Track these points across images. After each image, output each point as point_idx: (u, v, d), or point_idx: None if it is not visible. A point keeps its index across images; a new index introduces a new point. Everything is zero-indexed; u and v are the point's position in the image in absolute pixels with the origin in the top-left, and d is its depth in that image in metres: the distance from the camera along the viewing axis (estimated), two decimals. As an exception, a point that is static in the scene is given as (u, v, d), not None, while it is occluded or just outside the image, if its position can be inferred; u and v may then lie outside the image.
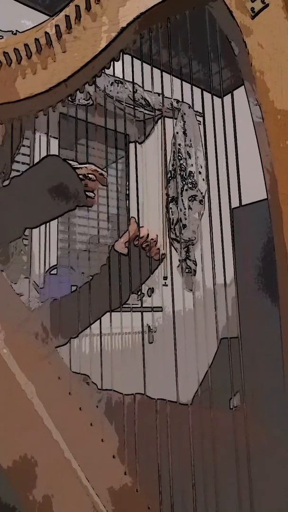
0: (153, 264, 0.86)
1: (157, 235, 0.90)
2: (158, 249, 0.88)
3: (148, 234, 0.87)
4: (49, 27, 0.58)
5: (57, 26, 0.57)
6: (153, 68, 0.64)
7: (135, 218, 0.85)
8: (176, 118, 2.65)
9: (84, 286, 0.86)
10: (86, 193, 0.74)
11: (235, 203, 0.62)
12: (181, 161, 2.64)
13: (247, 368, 0.60)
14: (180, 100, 2.56)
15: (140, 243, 0.85)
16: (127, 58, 0.63)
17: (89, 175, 0.74)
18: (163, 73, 0.66)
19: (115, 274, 0.77)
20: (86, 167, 0.74)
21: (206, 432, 0.61)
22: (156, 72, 0.65)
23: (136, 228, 0.85)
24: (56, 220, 0.77)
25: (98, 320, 0.81)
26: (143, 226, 0.88)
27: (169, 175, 2.66)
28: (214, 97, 0.63)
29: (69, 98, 0.62)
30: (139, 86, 2.21)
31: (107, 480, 0.64)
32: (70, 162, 0.74)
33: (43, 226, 0.76)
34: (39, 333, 0.75)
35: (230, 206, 0.63)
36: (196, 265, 2.57)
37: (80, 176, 0.74)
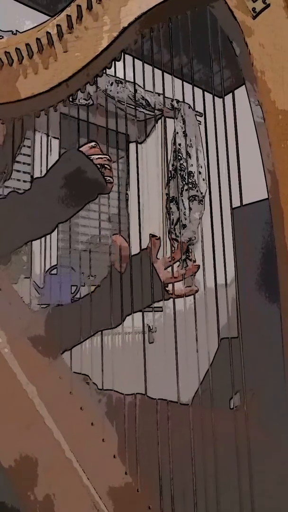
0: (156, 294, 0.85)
1: (158, 237, 0.91)
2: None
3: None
4: (51, 27, 0.58)
5: (58, 26, 0.58)
6: (154, 68, 0.64)
7: (118, 235, 0.86)
8: (176, 118, 2.65)
9: (84, 299, 0.87)
10: (105, 177, 0.77)
11: (236, 203, 0.62)
12: (181, 161, 2.64)
13: (247, 368, 0.60)
14: (181, 100, 2.56)
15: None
16: (128, 58, 0.63)
17: (105, 165, 0.77)
18: (164, 73, 0.66)
19: (115, 291, 0.80)
20: (102, 158, 0.77)
21: (206, 432, 0.61)
22: (157, 72, 0.65)
23: (153, 244, 0.88)
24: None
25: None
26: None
27: (169, 175, 2.66)
28: (215, 97, 0.63)
29: (70, 98, 0.62)
30: (140, 86, 2.21)
31: (108, 480, 0.64)
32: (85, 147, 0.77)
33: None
34: (40, 333, 0.75)
35: (231, 206, 0.63)
36: (196, 265, 2.57)
37: (97, 165, 0.77)
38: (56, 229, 0.79)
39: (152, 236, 0.89)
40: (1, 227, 0.74)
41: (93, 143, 0.77)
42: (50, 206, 0.75)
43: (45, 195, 0.75)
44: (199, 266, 0.86)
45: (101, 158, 0.77)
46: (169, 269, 0.90)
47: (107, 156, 0.78)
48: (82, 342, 0.79)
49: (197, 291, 0.86)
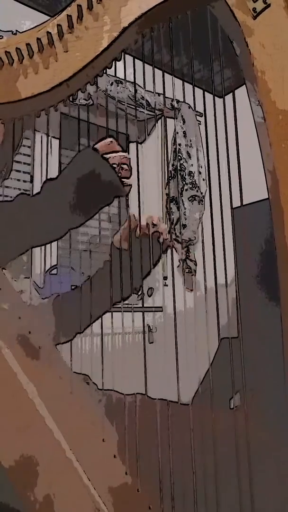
0: (154, 255, 0.82)
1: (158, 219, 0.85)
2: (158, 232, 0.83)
3: (148, 224, 0.83)
4: (51, 27, 0.58)
5: (59, 25, 0.58)
6: (154, 68, 0.64)
7: (134, 215, 0.83)
8: (176, 118, 2.65)
9: (86, 281, 0.85)
10: (122, 180, 0.72)
11: (236, 203, 0.62)
12: (181, 161, 2.64)
13: (247, 368, 0.60)
14: (181, 100, 2.56)
15: (141, 234, 0.82)
16: (128, 58, 0.63)
17: (122, 165, 0.73)
18: (164, 73, 0.66)
19: (117, 269, 0.75)
20: (119, 156, 0.73)
21: (206, 432, 0.61)
22: (157, 72, 0.65)
23: (132, 222, 0.83)
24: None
25: (99, 320, 0.81)
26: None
27: (169, 175, 2.66)
28: (215, 97, 0.63)
29: (70, 98, 0.62)
30: (140, 86, 2.21)
31: (108, 480, 0.64)
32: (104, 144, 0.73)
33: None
34: (40, 331, 0.75)
35: (231, 206, 0.63)
36: (196, 265, 2.58)
37: (114, 164, 0.72)
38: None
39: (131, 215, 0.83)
40: (8, 231, 0.70)
41: (109, 139, 0.72)
42: (62, 212, 0.71)
43: (56, 199, 0.71)
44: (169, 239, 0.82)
45: (118, 156, 0.72)
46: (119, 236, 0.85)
47: (125, 154, 0.73)
48: (95, 321, 0.78)
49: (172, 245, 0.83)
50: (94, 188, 0.71)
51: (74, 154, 0.76)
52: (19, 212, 0.71)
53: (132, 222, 0.83)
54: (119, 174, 0.72)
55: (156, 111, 2.45)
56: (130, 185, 0.73)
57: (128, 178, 0.73)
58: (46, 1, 2.18)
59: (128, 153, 0.76)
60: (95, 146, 0.73)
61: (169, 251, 0.94)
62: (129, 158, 0.74)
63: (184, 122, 2.66)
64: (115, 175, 0.71)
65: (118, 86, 2.19)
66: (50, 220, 0.71)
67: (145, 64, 0.63)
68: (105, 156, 0.72)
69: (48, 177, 0.72)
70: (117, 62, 0.61)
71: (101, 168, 0.71)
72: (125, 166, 0.73)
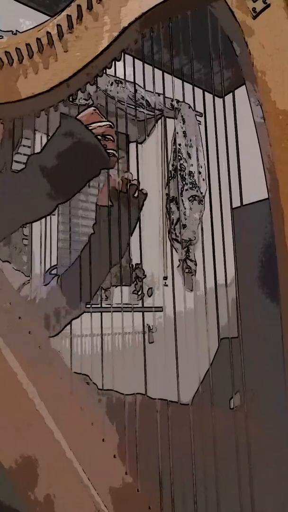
0: (136, 207, 0.83)
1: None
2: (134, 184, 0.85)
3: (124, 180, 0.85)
4: (51, 27, 0.58)
5: (58, 25, 0.58)
6: (154, 68, 0.64)
7: (115, 175, 0.83)
8: (176, 118, 2.65)
9: (83, 249, 0.86)
10: (108, 151, 0.71)
11: (236, 203, 0.62)
12: (181, 161, 2.64)
13: (247, 368, 0.60)
14: (181, 100, 2.56)
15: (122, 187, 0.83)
16: (128, 58, 0.63)
17: (107, 136, 0.72)
18: (164, 73, 0.66)
19: (107, 229, 0.75)
20: (103, 126, 0.71)
21: (206, 432, 0.61)
22: (157, 72, 0.65)
23: (112, 181, 0.83)
24: (56, 220, 0.77)
25: (99, 319, 0.81)
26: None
27: (169, 175, 2.66)
28: (215, 97, 0.63)
29: (70, 98, 0.62)
30: (140, 86, 2.21)
31: (108, 480, 0.64)
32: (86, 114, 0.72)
33: (43, 226, 0.76)
34: (40, 331, 0.75)
35: (231, 206, 0.63)
36: (196, 265, 2.58)
37: (98, 136, 0.71)
38: (57, 229, 0.78)
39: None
40: None
41: (92, 108, 0.71)
42: (48, 186, 0.69)
43: (42, 174, 0.69)
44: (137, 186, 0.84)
45: (102, 126, 0.71)
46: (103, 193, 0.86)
47: (109, 123, 0.71)
48: (102, 283, 0.79)
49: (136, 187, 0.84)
50: (79, 160, 0.70)
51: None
52: (3, 189, 0.70)
53: (112, 181, 0.83)
54: (104, 146, 0.70)
55: (156, 111, 2.45)
56: (116, 157, 0.72)
57: (114, 149, 0.71)
58: (46, 1, 2.18)
59: (128, 153, 0.76)
60: (78, 117, 0.72)
61: (169, 251, 0.94)
62: (114, 128, 0.72)
63: (184, 122, 2.66)
64: (99, 145, 0.69)
65: (118, 86, 2.19)
66: (38, 195, 0.70)
67: (145, 64, 0.63)
68: (88, 126, 0.70)
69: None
70: (117, 62, 0.61)
71: (86, 139, 0.69)
72: (109, 137, 0.71)
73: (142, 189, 0.86)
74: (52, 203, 0.70)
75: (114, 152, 0.71)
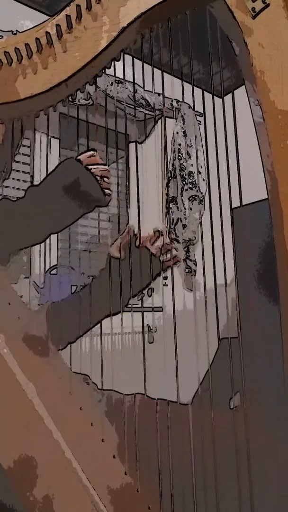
0: (154, 268, 0.85)
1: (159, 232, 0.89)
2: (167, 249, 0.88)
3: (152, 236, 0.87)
4: (50, 27, 0.58)
5: (57, 25, 0.58)
6: (154, 68, 0.64)
7: (133, 227, 0.85)
8: (176, 118, 2.65)
9: (83, 290, 0.87)
10: (104, 191, 0.75)
11: (235, 203, 0.62)
12: (181, 161, 2.64)
13: (247, 368, 0.60)
14: (181, 100, 2.56)
15: (141, 245, 0.85)
16: (128, 58, 0.63)
17: (104, 177, 0.75)
18: (164, 73, 0.66)
19: (114, 278, 0.78)
20: (101, 169, 0.75)
21: (206, 432, 0.61)
22: (157, 72, 0.65)
23: (130, 232, 0.86)
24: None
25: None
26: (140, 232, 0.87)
27: (169, 175, 2.66)
28: (215, 97, 0.63)
29: (70, 98, 0.62)
30: (140, 86, 2.21)
31: (108, 480, 0.64)
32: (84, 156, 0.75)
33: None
34: (40, 333, 0.75)
35: (230, 206, 0.63)
36: (196, 265, 2.57)
37: (96, 176, 0.75)
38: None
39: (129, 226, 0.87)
40: None
41: (92, 152, 0.76)
42: (43, 217, 0.73)
43: (38, 205, 0.73)
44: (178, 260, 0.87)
45: (100, 169, 0.75)
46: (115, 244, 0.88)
47: (107, 167, 0.76)
48: (88, 331, 0.79)
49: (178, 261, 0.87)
50: (76, 196, 0.74)
51: (73, 154, 0.77)
52: (3, 215, 0.73)
53: (130, 232, 0.85)
54: (101, 186, 0.75)
55: (156, 111, 2.45)
56: (110, 196, 0.76)
57: (109, 189, 0.76)
58: (46, 1, 2.18)
59: (128, 153, 0.77)
60: (78, 157, 0.76)
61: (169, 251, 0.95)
62: (109, 172, 0.77)
63: (184, 122, 2.66)
64: (97, 185, 0.74)
65: (118, 86, 2.19)
66: (32, 224, 0.74)
67: (145, 64, 0.63)
68: (87, 167, 0.75)
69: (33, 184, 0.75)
70: (116, 62, 0.61)
71: (84, 178, 0.74)
72: (106, 179, 0.76)
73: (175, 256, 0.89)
74: (44, 233, 0.74)
75: (110, 191, 0.76)
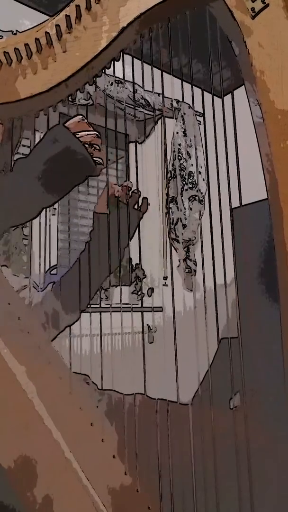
0: (135, 216, 0.83)
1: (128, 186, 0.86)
2: (135, 193, 0.86)
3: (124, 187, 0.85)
4: (50, 27, 0.58)
5: (57, 26, 0.58)
6: (153, 68, 0.64)
7: (111, 183, 0.84)
8: (176, 118, 2.65)
9: (82, 254, 0.86)
10: (94, 159, 0.72)
11: (235, 203, 0.62)
12: (181, 161, 2.64)
13: (247, 368, 0.60)
14: (180, 100, 2.56)
15: (121, 194, 0.83)
16: (127, 58, 0.63)
17: (94, 144, 0.72)
18: (164, 73, 0.66)
19: (105, 236, 0.75)
20: (90, 135, 0.72)
21: (206, 432, 0.61)
22: (157, 72, 0.65)
23: (113, 187, 0.85)
24: (56, 220, 0.77)
25: (99, 320, 0.81)
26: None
27: (169, 175, 2.66)
28: (215, 97, 0.63)
29: (69, 98, 0.62)
30: (139, 86, 2.21)
31: (107, 480, 0.64)
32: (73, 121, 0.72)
33: (43, 226, 0.76)
34: (39, 331, 0.75)
35: (230, 206, 0.63)
36: (196, 265, 2.57)
37: (85, 144, 0.72)
38: (56, 229, 0.78)
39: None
40: None
41: (79, 117, 0.72)
42: (34, 190, 0.70)
43: (28, 178, 0.70)
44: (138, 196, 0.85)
45: (89, 135, 0.71)
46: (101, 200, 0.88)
47: (96, 133, 0.72)
48: (96, 292, 0.79)
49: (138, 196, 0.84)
50: (66, 166, 0.71)
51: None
52: None
53: (111, 188, 0.84)
54: (91, 154, 0.71)
55: (156, 111, 2.45)
56: (102, 164, 0.73)
57: (100, 157, 0.72)
58: (45, 1, 2.18)
59: (128, 153, 0.76)
60: (66, 124, 0.72)
61: (169, 251, 0.94)
62: (100, 138, 0.73)
63: (184, 122, 2.66)
64: (86, 153, 0.70)
65: (117, 86, 2.19)
66: (23, 199, 0.70)
67: (145, 64, 0.63)
68: (76, 134, 0.71)
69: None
70: (117, 62, 0.61)
71: (72, 145, 0.70)
72: (96, 146, 0.72)
73: (144, 198, 0.87)
74: (37, 207, 0.71)
75: (101, 160, 0.72)
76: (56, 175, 0.70)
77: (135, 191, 0.86)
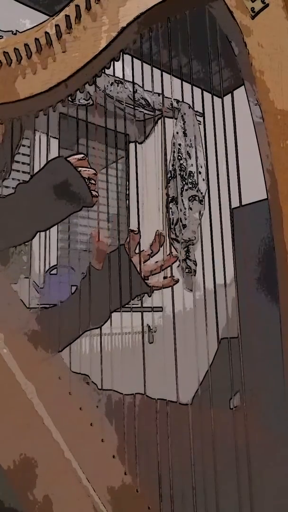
0: (136, 287, 0.84)
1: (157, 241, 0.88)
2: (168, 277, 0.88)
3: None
4: (49, 27, 0.58)
5: (57, 26, 0.58)
6: (153, 68, 0.64)
7: (95, 231, 0.86)
8: (176, 118, 2.65)
9: (65, 303, 0.86)
10: (91, 192, 0.76)
11: (235, 203, 0.62)
12: (181, 161, 2.64)
13: (247, 368, 0.60)
14: (180, 100, 2.56)
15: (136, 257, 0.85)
16: (127, 58, 0.63)
17: (91, 180, 0.76)
18: (163, 73, 0.66)
19: (95, 289, 0.79)
20: (88, 171, 0.76)
21: (206, 432, 0.61)
22: (156, 72, 0.65)
23: (104, 245, 0.86)
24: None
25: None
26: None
27: (169, 175, 2.66)
28: (214, 97, 0.63)
29: (69, 98, 0.62)
30: (139, 86, 2.21)
31: (107, 480, 0.64)
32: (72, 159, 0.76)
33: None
34: (39, 333, 0.75)
35: (230, 206, 0.63)
36: (196, 265, 2.57)
37: (84, 178, 0.76)
38: (56, 229, 0.78)
39: (131, 231, 0.87)
40: None
41: (81, 155, 0.76)
42: (31, 214, 0.74)
43: (26, 202, 0.74)
44: (177, 258, 0.86)
45: (88, 171, 0.75)
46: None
47: (94, 170, 0.77)
48: (70, 344, 0.79)
49: (176, 282, 0.86)
50: (65, 195, 0.74)
51: (73, 154, 0.77)
52: None
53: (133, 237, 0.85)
54: (88, 187, 0.75)
55: (155, 111, 2.45)
56: (97, 198, 0.77)
57: (96, 191, 0.76)
58: (46, 1, 2.18)
59: (128, 153, 0.77)
60: (68, 158, 0.76)
61: (169, 251, 0.95)
62: (97, 176, 0.77)
63: (184, 122, 2.66)
64: (85, 185, 0.74)
65: (117, 86, 2.19)
66: (18, 222, 0.74)
67: (145, 64, 0.63)
68: (77, 168, 0.75)
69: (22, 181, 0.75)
70: (116, 62, 0.61)
71: (73, 177, 0.74)
72: (93, 182, 0.76)
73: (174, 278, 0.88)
74: (31, 230, 0.74)
75: (97, 193, 0.76)
76: (54, 203, 0.74)
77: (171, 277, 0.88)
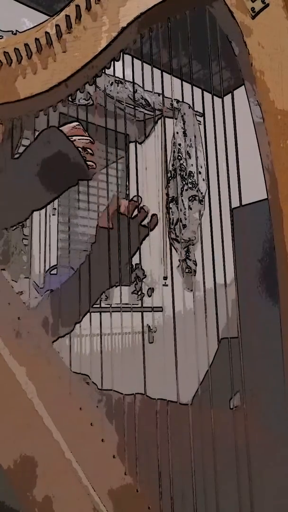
0: (141, 233, 0.81)
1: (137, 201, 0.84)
2: (143, 210, 0.83)
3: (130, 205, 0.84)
4: (50, 27, 0.58)
5: (57, 26, 0.58)
6: (153, 68, 0.64)
7: (117, 195, 0.83)
8: (176, 118, 2.65)
9: (82, 266, 0.84)
10: (87, 163, 0.71)
11: (235, 203, 0.62)
12: (181, 161, 2.64)
13: (247, 368, 0.60)
14: (180, 100, 2.56)
15: (127, 211, 0.81)
16: (127, 58, 0.63)
17: (87, 149, 0.72)
18: (163, 73, 0.66)
19: (105, 250, 0.75)
20: (84, 140, 0.72)
21: (206, 432, 0.61)
22: (156, 72, 0.65)
23: (116, 202, 0.83)
24: (56, 220, 0.77)
25: (99, 320, 0.81)
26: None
27: (169, 175, 2.66)
28: (214, 97, 0.63)
29: (69, 98, 0.62)
30: (139, 86, 2.21)
31: (108, 480, 0.64)
32: (68, 126, 0.72)
33: (43, 226, 0.76)
34: (39, 331, 0.75)
35: (230, 206, 0.63)
36: (196, 265, 2.58)
37: (79, 148, 0.71)
38: (56, 229, 0.77)
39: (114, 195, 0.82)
40: None
41: (76, 123, 0.71)
42: (24, 192, 0.69)
43: (19, 179, 0.69)
44: (146, 213, 0.83)
45: (83, 140, 0.71)
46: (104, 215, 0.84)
47: (90, 139, 0.72)
48: (92, 306, 0.77)
49: (146, 213, 0.81)
50: (59, 169, 0.70)
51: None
52: None
53: (113, 202, 0.82)
54: (84, 158, 0.70)
55: (155, 111, 2.45)
56: (95, 169, 0.72)
57: (92, 162, 0.72)
58: (46, 1, 2.18)
59: (128, 153, 0.76)
60: (61, 128, 0.71)
61: (169, 251, 0.94)
62: (93, 143, 0.73)
63: (184, 122, 2.66)
64: (79, 157, 0.70)
65: (117, 86, 2.19)
66: (11, 201, 0.70)
67: (145, 64, 0.63)
68: (70, 138, 0.70)
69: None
70: (116, 62, 0.61)
71: (66, 148, 0.69)
72: (89, 151, 0.72)
73: (154, 215, 0.84)
74: (26, 210, 0.70)
75: (93, 164, 0.72)
76: (47, 177, 0.69)
77: (144, 206, 0.84)
